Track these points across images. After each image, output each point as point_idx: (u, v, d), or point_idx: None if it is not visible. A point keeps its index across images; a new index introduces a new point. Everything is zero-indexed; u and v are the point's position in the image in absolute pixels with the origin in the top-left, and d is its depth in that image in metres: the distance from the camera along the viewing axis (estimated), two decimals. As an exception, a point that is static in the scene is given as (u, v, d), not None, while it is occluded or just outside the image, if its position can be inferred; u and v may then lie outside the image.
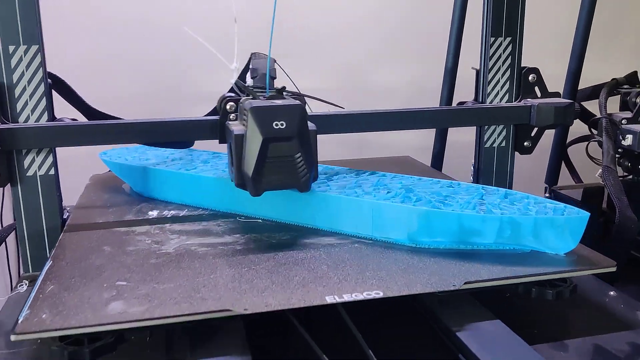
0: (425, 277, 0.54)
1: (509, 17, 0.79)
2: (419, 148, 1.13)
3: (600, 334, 0.56)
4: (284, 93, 0.65)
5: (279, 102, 0.62)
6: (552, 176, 1.05)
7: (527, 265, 0.56)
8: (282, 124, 0.60)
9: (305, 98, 0.72)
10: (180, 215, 0.72)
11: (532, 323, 0.58)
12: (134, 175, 0.81)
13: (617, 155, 0.83)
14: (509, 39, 0.80)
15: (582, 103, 0.97)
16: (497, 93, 0.82)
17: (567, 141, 1.04)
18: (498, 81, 0.81)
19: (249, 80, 0.72)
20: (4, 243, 0.82)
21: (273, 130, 0.59)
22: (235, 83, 0.67)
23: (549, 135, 1.03)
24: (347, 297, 0.50)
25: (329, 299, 0.50)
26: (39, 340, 0.54)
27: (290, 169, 0.61)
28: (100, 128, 0.69)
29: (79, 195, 0.82)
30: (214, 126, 0.69)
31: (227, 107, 0.67)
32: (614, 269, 0.57)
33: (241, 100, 0.65)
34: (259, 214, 0.71)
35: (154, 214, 0.73)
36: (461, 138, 1.00)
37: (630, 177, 0.86)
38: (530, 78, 0.82)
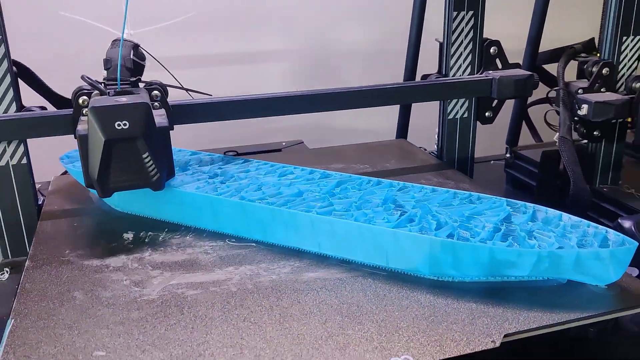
0: (458, 331, 0.47)
1: (471, -9, 0.81)
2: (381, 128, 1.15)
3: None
4: (141, 85, 0.62)
5: (123, 99, 0.59)
6: (513, 137, 1.09)
7: (568, 304, 0.50)
8: (124, 124, 0.57)
9: (166, 87, 0.69)
10: (160, 238, 0.63)
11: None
12: None
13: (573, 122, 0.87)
14: (471, 12, 0.82)
15: (542, 66, 1.00)
16: (460, 66, 0.84)
17: (528, 102, 1.07)
18: (461, 54, 0.83)
19: (104, 73, 0.68)
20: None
21: (116, 131, 0.57)
22: (82, 77, 0.64)
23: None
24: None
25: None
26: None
27: (139, 169, 0.59)
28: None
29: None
30: (67, 121, 0.67)
31: (80, 101, 0.65)
32: None
33: (92, 95, 0.63)
34: (252, 236, 0.62)
35: (129, 236, 0.64)
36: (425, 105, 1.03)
37: (585, 142, 0.90)
38: (491, 50, 0.84)
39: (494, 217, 0.58)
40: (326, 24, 1.27)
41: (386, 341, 0.46)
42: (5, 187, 0.70)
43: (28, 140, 0.70)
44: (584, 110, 0.82)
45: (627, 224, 0.62)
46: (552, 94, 0.89)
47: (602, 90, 0.85)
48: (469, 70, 0.84)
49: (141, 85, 0.68)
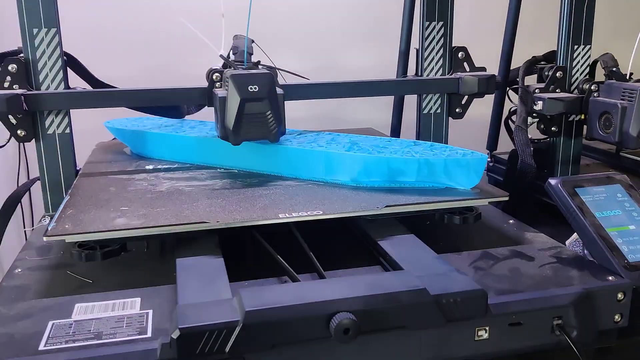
0: (358, 204, 0.70)
1: (441, 3, 0.96)
2: (380, 124, 1.30)
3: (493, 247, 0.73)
4: (259, 66, 0.83)
5: (253, 70, 0.80)
6: (492, 142, 1.22)
7: (439, 195, 0.73)
8: (255, 88, 0.77)
9: (277, 70, 0.89)
10: (172, 167, 0.89)
11: (440, 240, 0.75)
12: (134, 138, 0.98)
13: (533, 120, 1.00)
14: (441, 22, 0.97)
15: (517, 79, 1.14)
16: (433, 68, 0.99)
17: (509, 111, 1.21)
18: (433, 58, 0.98)
19: (232, 57, 0.88)
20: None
21: (248, 93, 0.77)
22: (220, 55, 0.84)
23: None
24: (295, 215, 0.67)
25: (282, 216, 0.67)
26: (61, 252, 0.72)
27: (263, 124, 0.79)
28: (110, 94, 0.88)
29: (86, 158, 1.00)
30: (204, 93, 0.86)
31: (214, 77, 0.85)
32: (506, 199, 0.74)
33: (225, 72, 0.82)
34: (236, 165, 0.87)
35: (150, 167, 0.90)
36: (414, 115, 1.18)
37: (547, 138, 1.03)
38: (459, 55, 0.99)
39: (399, 147, 0.82)
40: (334, 46, 1.44)
41: (309, 206, 0.69)
42: (52, 152, 0.87)
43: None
44: (539, 105, 0.96)
45: (553, 181, 0.74)
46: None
47: (557, 91, 0.99)
48: (440, 72, 0.99)
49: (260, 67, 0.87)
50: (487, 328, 0.58)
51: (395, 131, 1.28)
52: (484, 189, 0.76)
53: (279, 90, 0.80)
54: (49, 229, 0.63)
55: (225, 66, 0.84)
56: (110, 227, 0.64)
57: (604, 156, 1.15)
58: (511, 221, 0.82)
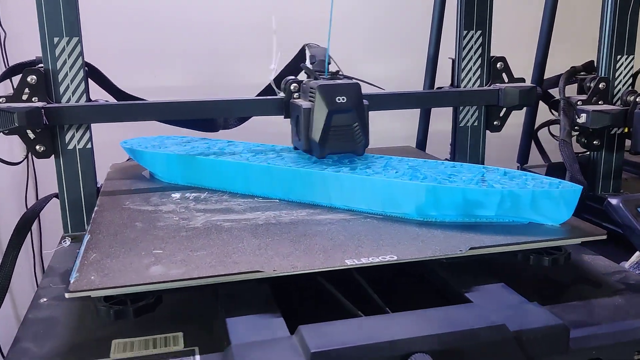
0: (434, 245, 0.59)
1: (479, 12, 0.92)
2: (404, 137, 1.25)
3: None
4: (339, 75, 0.78)
5: (339, 81, 0.75)
6: (522, 156, 1.18)
7: (526, 234, 0.62)
8: (343, 99, 0.73)
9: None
10: (202, 197, 0.77)
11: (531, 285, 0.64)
12: (156, 161, 0.86)
13: (574, 134, 0.96)
14: (479, 31, 0.93)
15: (548, 90, 1.10)
16: (470, 79, 0.94)
17: (537, 125, 1.17)
18: (470, 69, 0.94)
19: (310, 67, 0.84)
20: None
21: (336, 104, 0.73)
22: (301, 65, 0.81)
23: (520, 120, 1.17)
24: (364, 261, 0.55)
25: (349, 262, 0.55)
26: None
27: (349, 136, 0.74)
28: (147, 107, 0.82)
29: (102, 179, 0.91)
30: (280, 104, 0.82)
31: (292, 87, 0.81)
32: (604, 237, 0.63)
33: (304, 82, 0.78)
34: (276, 195, 0.76)
35: (177, 195, 0.78)
36: (440, 127, 1.13)
37: (587, 152, 0.99)
38: (498, 66, 0.94)
39: (470, 174, 0.71)
40: (350, 57, 1.39)
41: (377, 248, 0.59)
42: (71, 169, 0.81)
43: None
44: (582, 118, 0.92)
45: (614, 200, 0.70)
46: (554, 107, 0.99)
47: (599, 102, 0.94)
48: (478, 83, 0.95)
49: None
50: (565, 365, 0.53)
51: (421, 144, 1.23)
52: (574, 225, 0.65)
53: (365, 101, 0.76)
54: (72, 281, 0.51)
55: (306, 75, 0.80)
56: (146, 279, 0.52)
57: (642, 170, 1.10)
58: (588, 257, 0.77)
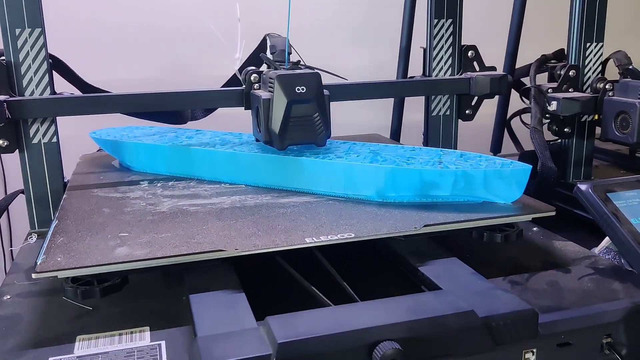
0: (391, 223, 0.62)
1: (450, 1, 0.92)
2: (378, 128, 1.25)
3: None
4: (300, 65, 0.77)
5: (299, 71, 0.74)
6: (496, 145, 1.18)
7: (478, 211, 0.65)
8: (302, 89, 0.72)
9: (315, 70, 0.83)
10: (169, 183, 0.79)
11: (465, 252, 0.69)
12: (125, 150, 0.87)
13: (546, 121, 0.96)
14: (450, 20, 0.93)
15: (521, 79, 1.10)
16: (442, 68, 0.94)
17: (510, 114, 1.17)
18: (442, 57, 0.94)
19: (270, 56, 0.83)
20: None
21: (295, 94, 0.71)
22: (261, 55, 0.80)
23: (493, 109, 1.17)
24: (323, 239, 0.58)
25: (308, 240, 0.57)
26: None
27: (310, 127, 0.73)
28: (112, 99, 0.80)
29: (72, 170, 0.90)
30: (240, 95, 0.81)
31: (252, 78, 0.79)
32: (553, 214, 0.66)
33: (264, 72, 0.77)
34: (242, 181, 0.78)
35: (145, 182, 0.80)
36: (415, 117, 1.13)
37: (559, 140, 0.99)
38: (469, 54, 0.94)
39: (428, 157, 0.73)
40: (323, 46, 1.38)
41: (336, 227, 0.61)
42: (37, 163, 0.79)
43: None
44: (553, 106, 0.92)
45: (584, 186, 0.70)
46: (525, 95, 0.99)
47: (569, 90, 0.95)
48: (449, 72, 0.94)
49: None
50: (534, 350, 0.53)
51: (396, 134, 1.23)
52: (525, 203, 0.68)
53: (325, 92, 0.75)
54: (38, 262, 0.53)
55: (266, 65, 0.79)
56: (111, 259, 0.54)
57: (614, 157, 1.11)
58: (535, 228, 0.78)
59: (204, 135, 0.88)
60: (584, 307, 0.56)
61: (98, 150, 0.99)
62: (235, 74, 0.83)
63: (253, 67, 0.80)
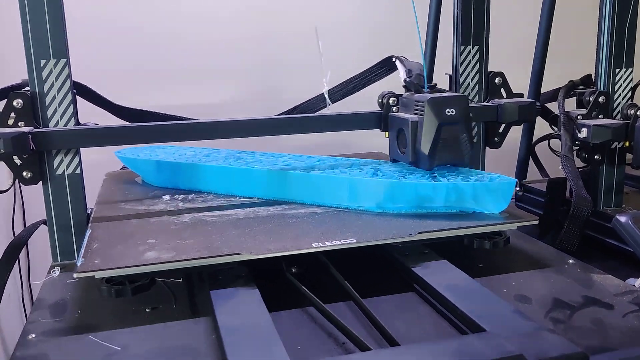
0: (389, 230, 0.68)
1: (476, 27, 0.91)
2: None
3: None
4: (436, 88, 0.81)
5: (447, 94, 0.77)
6: (521, 171, 1.16)
7: (469, 220, 0.71)
8: (452, 111, 0.76)
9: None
10: (189, 197, 0.86)
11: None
12: (148, 168, 0.93)
13: (575, 148, 0.94)
14: (476, 47, 0.91)
15: (545, 104, 1.08)
16: (468, 95, 0.93)
17: (534, 140, 1.15)
18: (468, 84, 0.92)
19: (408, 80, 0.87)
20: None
21: (446, 116, 0.75)
22: (405, 81, 0.85)
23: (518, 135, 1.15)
24: (328, 244, 0.64)
25: (315, 245, 0.64)
26: (79, 312, 0.63)
27: (457, 147, 0.77)
28: (145, 129, 0.81)
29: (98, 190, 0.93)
30: (378, 118, 0.85)
31: (390, 101, 0.83)
32: (535, 222, 0.73)
33: (404, 95, 0.81)
34: (255, 194, 0.84)
35: (167, 197, 0.86)
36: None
37: (587, 167, 0.97)
38: (496, 81, 0.93)
39: (424, 171, 0.80)
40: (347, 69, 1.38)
41: (340, 233, 0.67)
42: (60, 195, 0.78)
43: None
44: (583, 133, 0.90)
45: (623, 218, 0.68)
46: (554, 122, 0.98)
47: (599, 117, 0.93)
48: (476, 99, 0.93)
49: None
50: (584, 394, 0.50)
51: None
52: (512, 213, 0.74)
53: (471, 114, 0.78)
54: (78, 265, 0.60)
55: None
56: (142, 262, 0.61)
57: (642, 183, 1.09)
58: (571, 261, 0.75)
59: (219, 153, 0.95)
60: (633, 347, 0.54)
61: (122, 168, 1.05)
62: (323, 94, 0.90)
63: (389, 91, 0.84)
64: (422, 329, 0.56)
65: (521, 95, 0.94)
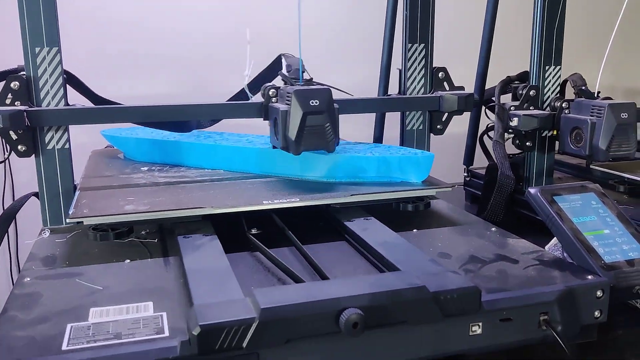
0: (329, 193, 0.85)
1: (422, 27, 1.03)
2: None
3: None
4: (313, 82, 0.90)
5: (313, 87, 0.87)
6: (468, 158, 1.29)
7: (395, 187, 0.90)
8: (316, 102, 0.84)
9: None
10: (164, 169, 1.02)
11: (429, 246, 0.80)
12: (130, 144, 1.09)
13: (508, 136, 1.07)
14: (422, 44, 1.03)
15: (492, 98, 1.21)
16: (415, 87, 1.05)
17: (482, 130, 1.27)
18: (415, 78, 1.04)
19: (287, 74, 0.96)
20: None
21: (310, 107, 0.83)
22: (279, 73, 0.94)
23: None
24: (277, 201, 0.81)
25: (265, 202, 0.81)
26: (66, 263, 0.74)
27: (322, 135, 0.85)
28: (122, 110, 0.92)
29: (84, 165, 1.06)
30: (260, 107, 0.92)
31: (270, 93, 0.91)
32: (449, 189, 0.91)
33: (281, 88, 0.90)
34: (221, 167, 1.00)
35: (145, 168, 1.02)
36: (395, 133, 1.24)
37: (522, 153, 1.10)
38: (440, 75, 1.05)
39: (362, 148, 0.98)
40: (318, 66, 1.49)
41: (288, 195, 0.84)
42: (51, 167, 0.89)
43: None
44: (514, 122, 1.03)
45: (533, 190, 0.80)
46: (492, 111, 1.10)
47: (530, 108, 1.06)
48: (422, 91, 1.05)
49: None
50: (480, 324, 0.62)
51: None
52: (432, 182, 0.92)
53: (335, 105, 0.87)
54: (70, 213, 0.76)
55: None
56: (122, 212, 0.77)
57: (574, 170, 1.22)
58: (493, 229, 0.87)
59: (192, 132, 1.07)
60: (524, 288, 0.66)
61: (106, 147, 1.20)
62: (243, 89, 0.96)
63: (270, 83, 0.92)
64: (349, 268, 0.69)
65: (462, 88, 1.07)
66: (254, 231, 0.79)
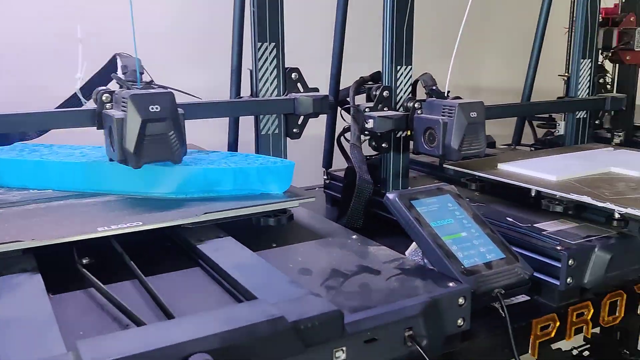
0: (177, 213, 0.74)
1: (272, 25, 0.97)
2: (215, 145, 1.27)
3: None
4: (152, 85, 0.78)
5: (153, 90, 0.76)
6: (327, 160, 1.25)
7: (254, 200, 0.80)
8: (157, 108, 0.73)
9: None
10: None
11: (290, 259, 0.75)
12: None
13: (365, 138, 1.04)
14: (273, 43, 0.97)
15: (347, 99, 1.18)
16: (268, 89, 0.99)
17: (340, 132, 1.25)
18: (267, 79, 0.98)
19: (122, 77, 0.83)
20: None
21: (150, 113, 0.73)
22: (113, 75, 0.80)
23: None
24: (114, 227, 0.68)
25: (100, 229, 0.68)
26: None
27: (165, 145, 0.75)
28: None
29: None
30: (92, 115, 0.81)
31: (103, 98, 0.79)
32: (312, 200, 0.84)
33: (116, 92, 0.77)
34: (49, 186, 0.85)
35: None
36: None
37: (378, 155, 1.08)
38: (293, 76, 1.00)
39: (217, 158, 0.87)
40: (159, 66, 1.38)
41: (128, 217, 0.72)
42: None
43: None
44: (370, 123, 1.00)
45: (391, 195, 0.78)
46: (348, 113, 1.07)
47: (385, 109, 1.04)
48: (275, 92, 0.99)
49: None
50: (344, 348, 0.58)
51: (232, 149, 1.25)
52: (294, 193, 0.84)
53: (180, 110, 0.76)
54: None
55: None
56: None
57: (428, 168, 1.23)
58: (354, 237, 0.84)
59: (15, 147, 0.93)
60: (387, 304, 0.62)
61: None
62: (75, 93, 0.84)
63: (104, 87, 0.80)
64: (201, 300, 0.61)
65: (317, 89, 1.02)
66: (85, 261, 0.67)
